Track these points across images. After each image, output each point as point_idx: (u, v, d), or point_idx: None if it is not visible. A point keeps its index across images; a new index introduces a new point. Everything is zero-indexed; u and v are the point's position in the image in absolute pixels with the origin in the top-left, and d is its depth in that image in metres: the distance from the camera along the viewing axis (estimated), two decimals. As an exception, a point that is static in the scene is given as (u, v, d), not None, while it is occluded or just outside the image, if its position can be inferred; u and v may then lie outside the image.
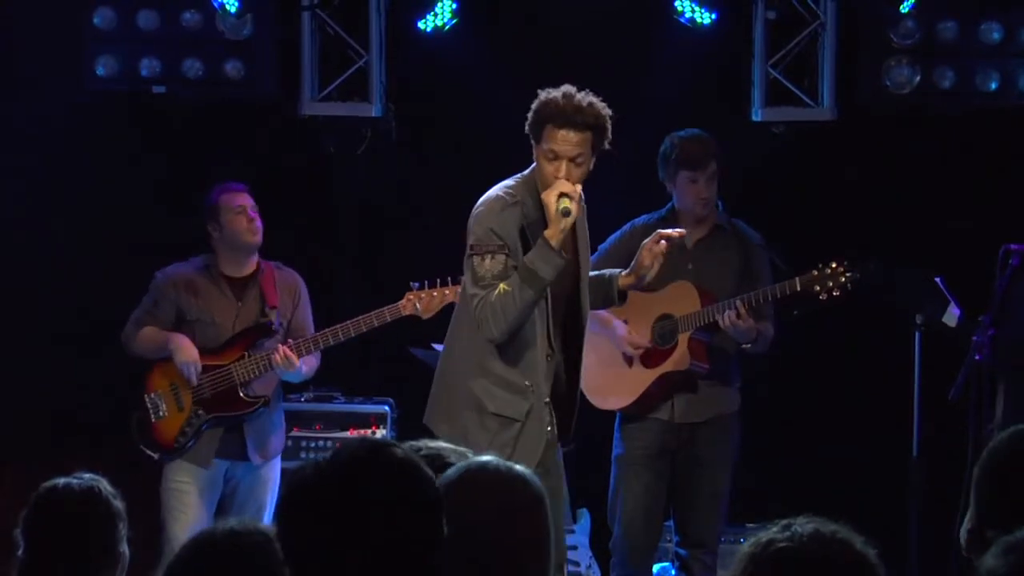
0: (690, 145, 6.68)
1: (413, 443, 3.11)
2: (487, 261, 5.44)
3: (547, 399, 5.47)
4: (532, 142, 5.50)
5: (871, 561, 2.47)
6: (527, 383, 5.47)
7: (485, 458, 2.90)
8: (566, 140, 5.35)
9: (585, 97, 5.39)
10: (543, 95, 5.44)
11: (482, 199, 5.58)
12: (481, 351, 5.52)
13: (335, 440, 7.43)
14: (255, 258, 7.00)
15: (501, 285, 5.38)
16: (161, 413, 6.83)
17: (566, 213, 5.28)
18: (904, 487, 6.92)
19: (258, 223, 6.91)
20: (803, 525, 2.48)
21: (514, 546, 2.80)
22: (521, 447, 5.42)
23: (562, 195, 5.31)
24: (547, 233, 5.34)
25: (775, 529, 2.49)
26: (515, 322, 5.42)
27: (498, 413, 5.49)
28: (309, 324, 7.00)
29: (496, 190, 5.56)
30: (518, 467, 2.91)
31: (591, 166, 5.46)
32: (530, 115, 5.46)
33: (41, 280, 7.99)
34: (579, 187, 5.41)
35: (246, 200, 6.92)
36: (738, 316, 6.38)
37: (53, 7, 7.91)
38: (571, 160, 5.36)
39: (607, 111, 5.43)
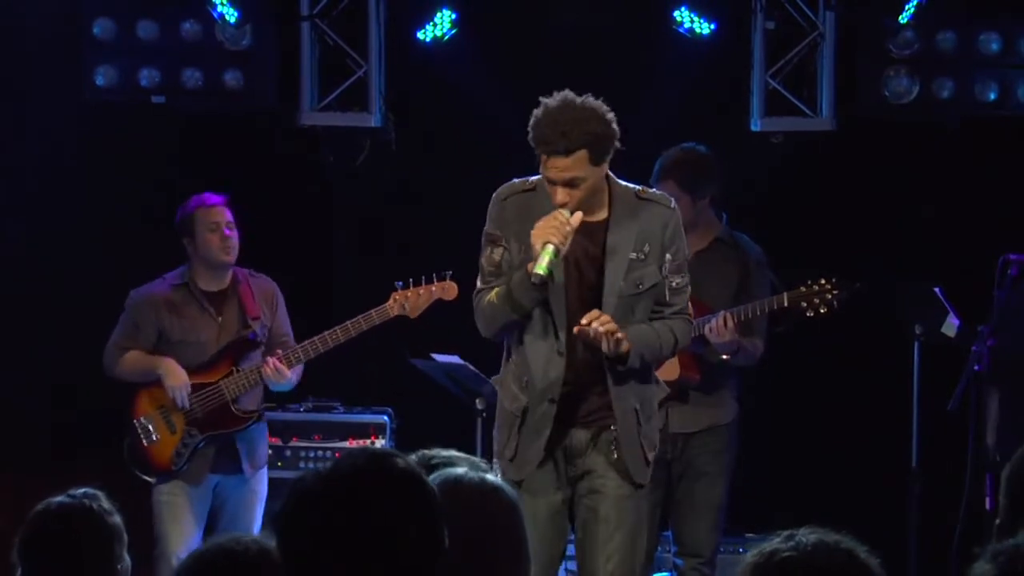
0: (661, 160, 6.66)
1: (425, 452, 3.12)
2: (487, 253, 5.32)
3: (552, 397, 5.27)
4: None
5: (875, 571, 2.48)
6: (525, 379, 5.32)
7: (459, 470, 2.91)
8: (555, 167, 5.11)
9: (575, 114, 5.09)
10: (537, 112, 5.15)
11: None
12: (507, 345, 5.42)
13: (334, 450, 7.43)
14: (230, 270, 6.90)
15: (495, 290, 5.25)
16: (153, 437, 6.74)
17: (540, 280, 5.05)
18: (903, 497, 6.92)
19: (234, 240, 6.78)
20: (806, 535, 2.47)
21: (492, 556, 2.81)
22: (523, 445, 5.29)
23: (546, 244, 5.05)
24: (529, 266, 5.11)
25: (778, 539, 2.49)
26: (502, 329, 5.32)
27: (505, 407, 5.40)
28: (288, 328, 6.94)
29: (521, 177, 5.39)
30: (491, 477, 2.91)
31: (602, 172, 5.19)
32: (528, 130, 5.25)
33: (40, 290, 7.98)
34: (579, 215, 5.13)
35: (221, 216, 6.78)
36: (717, 328, 6.36)
37: (53, 17, 7.92)
38: (566, 184, 5.13)
39: (601, 121, 5.13)
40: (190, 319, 6.81)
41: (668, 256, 5.33)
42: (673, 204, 5.39)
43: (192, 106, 7.92)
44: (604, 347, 5.14)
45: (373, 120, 7.90)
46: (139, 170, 8.04)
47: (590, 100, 5.16)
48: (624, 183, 5.34)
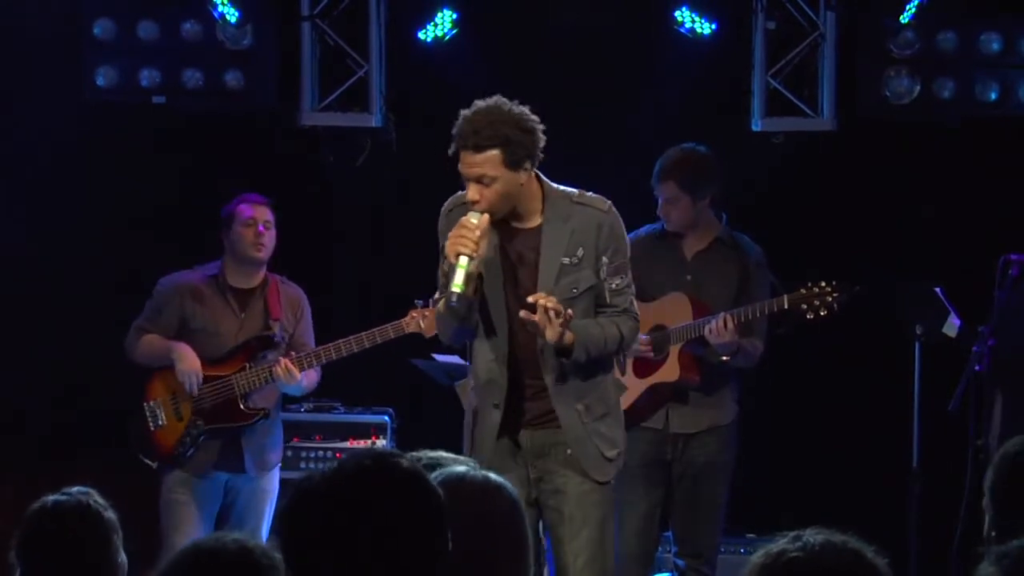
0: (661, 160, 6.67)
1: (414, 453, 3.13)
2: (440, 264, 5.40)
3: (496, 403, 5.33)
4: None
5: (882, 571, 2.48)
6: (474, 384, 5.46)
7: (461, 468, 2.91)
8: (465, 162, 5.21)
9: (494, 115, 5.17)
10: (465, 110, 5.26)
11: None
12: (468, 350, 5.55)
13: (335, 450, 7.44)
14: (262, 271, 6.98)
15: (442, 300, 5.33)
16: (160, 422, 6.81)
17: (457, 298, 5.12)
18: (904, 497, 6.92)
19: (267, 239, 6.88)
20: (813, 535, 2.47)
21: (493, 554, 2.82)
22: (476, 447, 5.38)
23: (460, 257, 5.12)
24: (447, 284, 5.20)
25: (785, 540, 2.49)
26: (455, 336, 5.44)
27: (465, 410, 5.53)
28: (310, 339, 6.99)
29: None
30: (493, 475, 2.93)
31: (519, 180, 5.20)
32: None
33: (40, 290, 7.98)
34: (487, 217, 5.19)
35: (260, 214, 6.88)
36: (717, 330, 6.37)
37: (53, 17, 7.91)
38: (476, 180, 5.21)
39: (519, 127, 5.16)
40: (212, 310, 6.88)
41: (605, 259, 5.35)
42: (608, 206, 5.39)
43: (192, 106, 7.93)
44: (548, 335, 5.16)
45: (373, 120, 7.91)
46: (139, 170, 8.04)
47: (518, 107, 5.23)
48: (562, 188, 5.38)
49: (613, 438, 5.45)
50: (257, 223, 6.87)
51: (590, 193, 5.42)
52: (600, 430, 5.40)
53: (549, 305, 5.12)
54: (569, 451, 5.35)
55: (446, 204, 5.50)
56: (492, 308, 5.33)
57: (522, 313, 5.19)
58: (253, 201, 6.93)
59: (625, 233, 5.43)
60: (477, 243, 5.14)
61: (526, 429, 5.39)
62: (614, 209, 5.40)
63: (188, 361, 6.76)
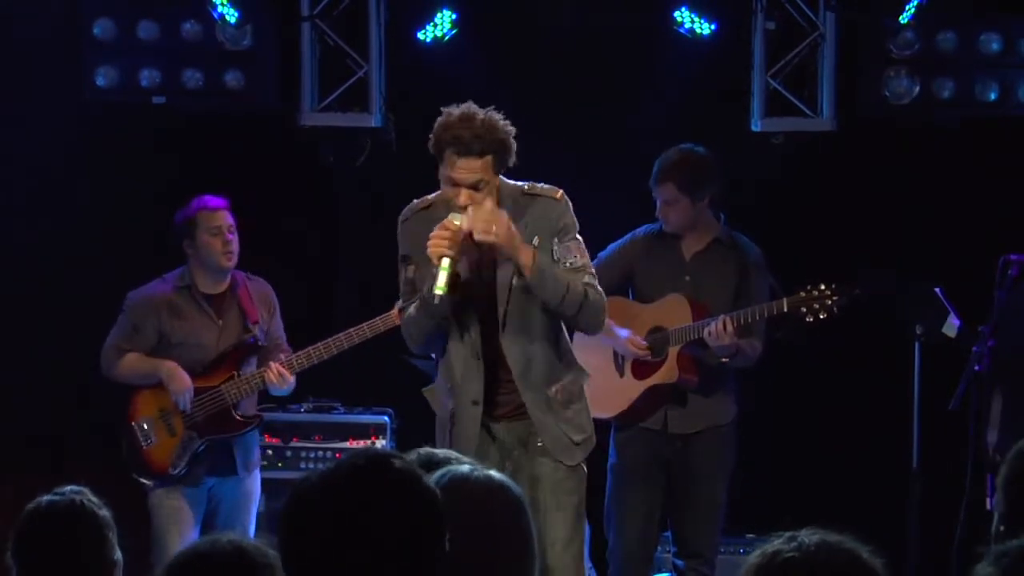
0: (659, 162, 6.67)
1: (422, 449, 3.13)
2: (401, 272, 5.51)
3: (475, 399, 5.45)
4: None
5: (878, 572, 2.48)
6: (450, 385, 5.53)
7: (466, 467, 2.92)
8: (465, 168, 5.27)
9: (486, 120, 5.27)
10: (444, 115, 5.33)
11: None
12: (437, 354, 5.63)
13: (335, 450, 7.43)
14: (229, 273, 6.87)
15: (414, 304, 5.42)
16: (152, 440, 6.71)
17: (439, 299, 5.20)
18: (904, 498, 6.91)
19: (234, 245, 6.76)
20: (809, 536, 2.48)
21: (494, 553, 2.82)
22: (455, 443, 5.42)
23: (443, 259, 5.20)
24: (427, 285, 5.28)
25: (781, 540, 2.49)
26: (428, 340, 5.52)
27: (438, 414, 5.61)
28: (282, 332, 6.95)
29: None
30: (497, 474, 2.93)
31: (497, 183, 5.36)
32: (432, 135, 5.36)
33: (40, 290, 7.98)
34: (467, 218, 5.27)
35: (223, 220, 6.76)
36: (716, 332, 6.37)
37: (53, 17, 7.91)
38: (472, 186, 5.28)
39: (508, 130, 5.31)
40: (191, 321, 6.79)
41: (556, 240, 5.46)
42: (560, 194, 5.50)
43: (192, 106, 7.92)
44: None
45: (373, 120, 7.91)
46: (139, 170, 8.03)
47: (493, 113, 5.33)
48: (511, 182, 5.48)
49: (580, 423, 5.58)
50: (223, 231, 6.74)
51: (541, 184, 5.53)
52: (567, 416, 5.53)
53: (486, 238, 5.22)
54: (540, 442, 5.48)
55: (403, 213, 5.60)
56: (462, 307, 5.43)
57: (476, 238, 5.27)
58: (214, 207, 6.79)
59: (575, 217, 5.51)
60: (459, 244, 5.24)
61: (502, 422, 5.52)
62: (566, 197, 5.52)
63: (179, 380, 6.66)
